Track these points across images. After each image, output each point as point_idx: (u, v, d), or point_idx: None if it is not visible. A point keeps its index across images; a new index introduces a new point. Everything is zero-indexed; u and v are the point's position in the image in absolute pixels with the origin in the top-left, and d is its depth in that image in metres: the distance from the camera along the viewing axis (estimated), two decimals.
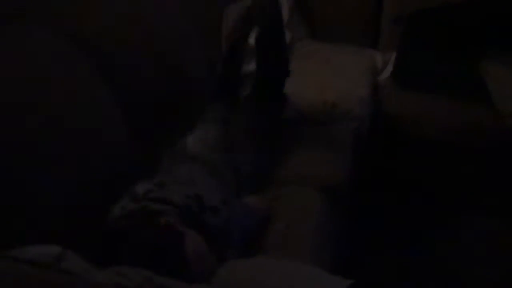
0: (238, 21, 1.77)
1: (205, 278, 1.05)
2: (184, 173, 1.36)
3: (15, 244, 0.92)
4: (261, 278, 1.08)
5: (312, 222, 1.41)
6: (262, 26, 1.68)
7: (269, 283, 1.06)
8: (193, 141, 1.49)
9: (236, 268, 1.13)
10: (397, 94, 2.10)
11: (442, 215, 2.09)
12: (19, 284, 0.84)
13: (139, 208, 1.14)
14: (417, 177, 2.11)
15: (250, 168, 1.49)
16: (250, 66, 1.75)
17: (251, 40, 1.71)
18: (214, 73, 1.99)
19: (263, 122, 1.61)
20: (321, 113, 1.84)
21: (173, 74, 1.72)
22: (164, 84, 1.65)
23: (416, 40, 2.19)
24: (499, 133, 1.96)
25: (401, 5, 2.30)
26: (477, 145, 2.00)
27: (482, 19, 2.09)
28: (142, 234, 1.05)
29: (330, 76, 2.01)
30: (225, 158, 1.45)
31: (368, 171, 1.84)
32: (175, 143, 1.51)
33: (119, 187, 1.26)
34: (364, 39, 2.40)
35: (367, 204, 1.91)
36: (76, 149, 1.25)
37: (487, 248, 1.96)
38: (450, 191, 2.10)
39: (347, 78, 1.99)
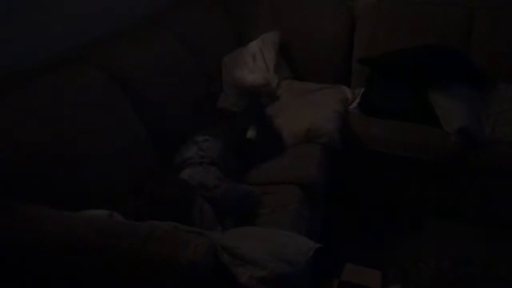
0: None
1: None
2: None
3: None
4: (250, 233, 1.44)
5: (292, 208, 1.74)
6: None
7: (256, 235, 1.42)
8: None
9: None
10: (363, 119, 2.44)
11: (397, 214, 2.44)
12: (89, 228, 1.24)
13: None
14: (376, 183, 2.46)
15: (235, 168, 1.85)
16: None
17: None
18: (214, 105, 2.43)
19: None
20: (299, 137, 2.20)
21: (185, 105, 2.14)
22: (178, 115, 2.07)
23: (379, 78, 2.55)
24: (445, 149, 2.27)
25: (367, 50, 2.69)
26: (427, 158, 2.30)
27: (429, 60, 2.42)
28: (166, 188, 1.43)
29: (309, 106, 2.38)
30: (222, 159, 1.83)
31: (337, 175, 2.22)
32: None
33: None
34: (338, 77, 2.75)
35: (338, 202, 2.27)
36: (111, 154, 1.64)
37: (436, 244, 2.28)
38: (403, 196, 2.45)
39: (322, 107, 2.35)
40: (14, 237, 1.22)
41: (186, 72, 2.28)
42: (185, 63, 2.30)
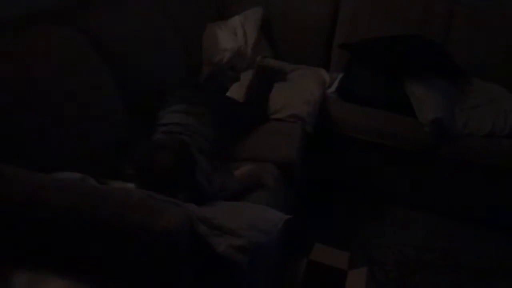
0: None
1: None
2: None
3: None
4: (224, 206, 1.42)
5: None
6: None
7: (230, 209, 1.41)
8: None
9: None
10: (340, 104, 2.45)
11: (368, 198, 2.48)
12: (61, 191, 1.19)
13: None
14: (349, 167, 2.50)
15: (209, 147, 1.69)
16: None
17: None
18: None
19: (221, 103, 1.94)
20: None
21: (159, 70, 2.08)
22: (151, 76, 2.01)
23: (358, 64, 2.57)
24: (418, 139, 2.32)
25: (348, 37, 2.70)
26: (400, 146, 2.34)
27: (406, 50, 2.46)
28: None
29: (287, 85, 2.38)
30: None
31: (313, 156, 2.23)
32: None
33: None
34: (318, 61, 2.76)
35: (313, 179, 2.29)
36: (86, 115, 1.58)
37: (402, 230, 2.33)
38: (375, 181, 2.49)
39: (300, 88, 2.36)
40: None
41: (164, 42, 2.22)
42: (165, 33, 2.24)
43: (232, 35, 2.58)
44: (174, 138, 1.61)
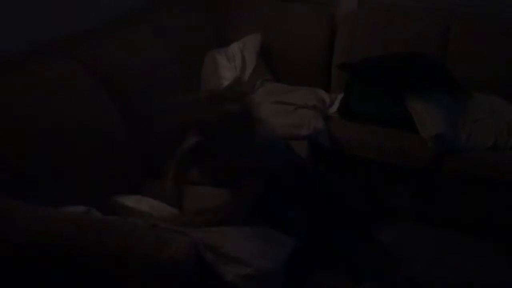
0: None
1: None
2: None
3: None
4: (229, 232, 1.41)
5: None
6: None
7: (235, 234, 1.40)
8: None
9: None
10: (342, 123, 2.48)
11: (372, 217, 2.39)
12: (67, 224, 1.20)
13: None
14: (352, 186, 2.39)
15: None
16: None
17: None
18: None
19: None
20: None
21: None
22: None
23: (358, 83, 2.58)
24: (422, 154, 2.31)
25: (347, 56, 2.72)
26: (404, 163, 2.33)
27: (406, 66, 2.48)
28: None
29: (287, 109, 2.41)
30: None
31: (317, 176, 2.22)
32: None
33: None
34: (318, 82, 2.79)
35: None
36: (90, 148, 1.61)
37: (408, 247, 2.30)
38: (379, 199, 2.45)
39: (306, 106, 2.41)
40: None
41: (166, 72, 2.25)
42: (167, 63, 2.27)
43: (231, 63, 2.62)
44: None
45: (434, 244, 2.36)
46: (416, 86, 2.46)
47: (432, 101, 2.42)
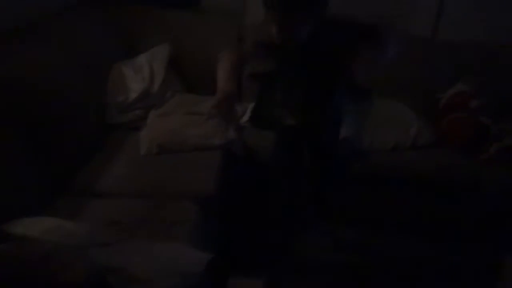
0: None
1: None
2: None
3: None
4: (140, 248, 1.38)
5: (189, 222, 1.74)
6: None
7: (146, 251, 1.35)
8: None
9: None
10: (254, 132, 2.47)
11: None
12: None
13: None
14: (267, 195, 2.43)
15: None
16: None
17: None
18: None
19: None
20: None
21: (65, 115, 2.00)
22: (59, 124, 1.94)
23: (267, 91, 2.63)
24: None
25: (257, 66, 2.71)
26: None
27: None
28: None
29: (199, 120, 2.37)
30: None
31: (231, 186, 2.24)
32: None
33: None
34: None
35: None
36: None
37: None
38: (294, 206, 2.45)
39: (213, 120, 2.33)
40: None
41: (69, 81, 2.14)
42: (69, 76, 2.16)
43: (139, 74, 2.56)
44: None
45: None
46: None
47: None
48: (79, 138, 2.09)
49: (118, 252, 1.31)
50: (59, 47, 2.16)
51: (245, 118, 2.62)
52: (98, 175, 2.02)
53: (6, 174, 1.58)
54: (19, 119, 1.71)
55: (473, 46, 2.92)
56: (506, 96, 2.69)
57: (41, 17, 2.29)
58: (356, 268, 2.31)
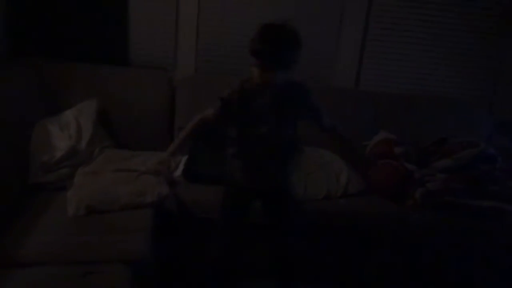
0: None
1: None
2: None
3: None
4: None
5: None
6: None
7: None
8: None
9: None
10: (188, 186, 2.47)
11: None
12: None
13: None
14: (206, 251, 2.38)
15: None
16: None
17: None
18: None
19: None
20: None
21: None
22: None
23: (201, 144, 2.62)
24: None
25: (188, 119, 2.67)
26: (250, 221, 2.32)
27: None
28: None
29: (129, 177, 2.30)
30: None
31: (165, 247, 2.16)
32: None
33: None
34: (161, 146, 2.53)
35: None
36: None
37: None
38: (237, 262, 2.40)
39: (144, 176, 2.29)
40: None
41: None
42: None
43: (65, 131, 2.47)
44: None
45: None
46: None
47: None
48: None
49: None
50: None
51: (178, 172, 2.59)
52: (18, 243, 1.86)
53: None
54: None
55: (392, 96, 3.14)
56: (424, 143, 2.87)
57: None
58: None
